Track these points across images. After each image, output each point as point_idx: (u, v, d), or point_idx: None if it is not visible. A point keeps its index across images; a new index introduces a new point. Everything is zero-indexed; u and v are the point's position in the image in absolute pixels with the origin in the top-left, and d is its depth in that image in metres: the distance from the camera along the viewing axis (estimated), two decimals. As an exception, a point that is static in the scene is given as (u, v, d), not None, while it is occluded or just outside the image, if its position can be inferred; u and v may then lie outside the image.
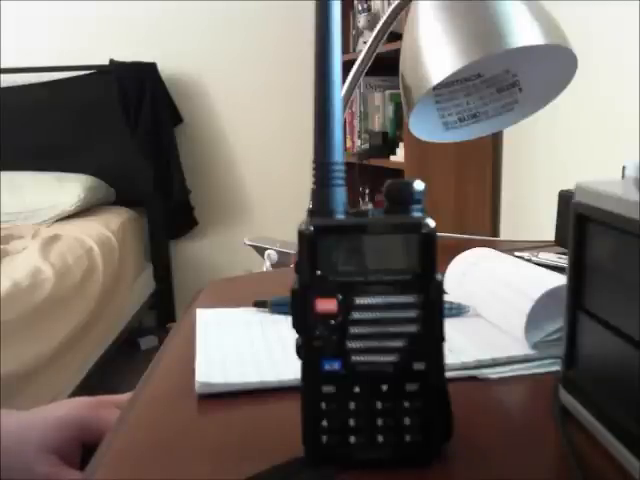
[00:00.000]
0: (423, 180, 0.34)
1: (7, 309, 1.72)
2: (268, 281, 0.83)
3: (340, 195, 0.35)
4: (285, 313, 0.60)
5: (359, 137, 2.77)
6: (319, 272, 0.34)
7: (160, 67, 2.94)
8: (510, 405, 0.46)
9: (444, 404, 0.36)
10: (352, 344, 0.35)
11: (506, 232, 2.27)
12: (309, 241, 0.34)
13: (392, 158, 2.43)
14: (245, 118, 3.11)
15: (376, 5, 2.58)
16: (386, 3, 2.49)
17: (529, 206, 2.09)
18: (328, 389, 0.35)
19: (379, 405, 0.35)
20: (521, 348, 0.50)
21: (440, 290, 0.35)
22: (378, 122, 2.68)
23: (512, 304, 0.52)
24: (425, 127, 0.74)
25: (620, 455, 0.35)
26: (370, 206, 2.76)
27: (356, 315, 0.35)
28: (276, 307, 0.61)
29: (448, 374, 0.36)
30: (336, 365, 0.35)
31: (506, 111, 0.75)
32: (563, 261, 0.74)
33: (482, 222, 2.29)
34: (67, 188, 2.69)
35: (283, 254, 1.13)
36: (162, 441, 0.41)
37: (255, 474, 0.35)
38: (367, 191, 2.80)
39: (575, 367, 0.40)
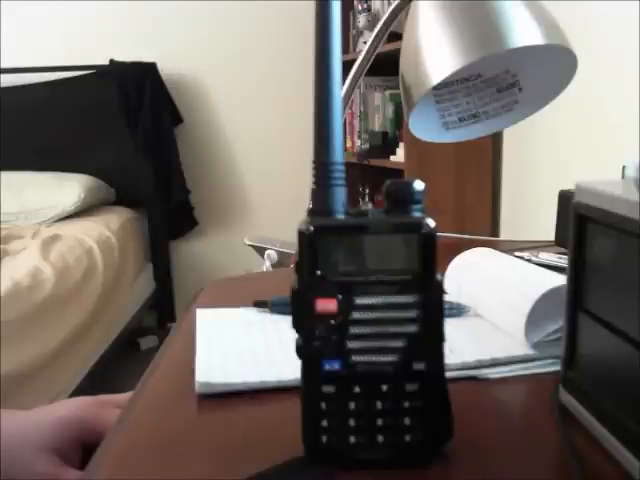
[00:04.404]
0: (423, 180, 0.34)
1: (7, 309, 1.72)
2: (268, 281, 0.83)
3: (340, 195, 0.35)
4: (285, 313, 0.60)
5: (359, 137, 2.77)
6: (319, 272, 0.34)
7: (160, 67, 2.94)
8: (510, 405, 0.46)
9: (444, 404, 0.36)
10: (352, 344, 0.35)
11: (506, 232, 2.27)
12: (309, 241, 0.34)
13: (392, 158, 2.43)
14: (245, 118, 3.11)
15: (376, 5, 2.58)
16: (386, 3, 2.49)
17: (529, 206, 2.09)
18: (328, 389, 0.35)
19: (379, 405, 0.35)
20: (521, 348, 0.50)
21: (440, 290, 0.35)
22: (378, 122, 2.68)
23: (512, 304, 0.52)
24: (425, 127, 0.74)
25: (620, 455, 0.35)
26: (370, 206, 2.76)
27: (356, 315, 0.35)
28: (276, 307, 0.61)
29: (448, 374, 0.36)
30: (336, 365, 0.35)
31: (506, 111, 0.75)
32: (563, 261, 0.74)
33: (482, 222, 2.29)
34: (67, 188, 2.69)
35: (283, 254, 1.13)
36: (162, 441, 0.41)
37: (255, 474, 0.35)
38: (367, 191, 2.80)
39: (575, 367, 0.40)
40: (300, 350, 0.35)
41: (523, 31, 0.63)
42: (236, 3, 2.98)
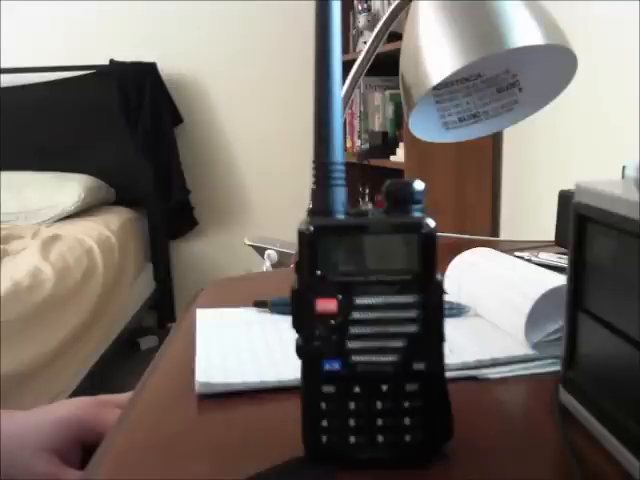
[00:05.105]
0: (423, 180, 0.34)
1: (7, 309, 1.72)
2: (268, 281, 0.83)
3: (340, 195, 0.35)
4: (285, 313, 0.60)
5: (359, 137, 2.77)
6: (319, 272, 0.34)
7: (160, 67, 2.94)
8: (510, 405, 0.46)
9: (444, 404, 0.36)
10: (352, 344, 0.35)
11: (506, 232, 2.27)
12: (309, 241, 0.34)
13: (392, 158, 2.43)
14: (245, 118, 3.11)
15: (376, 5, 2.58)
16: (386, 3, 2.49)
17: (529, 206, 2.09)
18: (328, 389, 0.35)
19: (379, 405, 0.35)
20: (521, 348, 0.50)
21: (440, 290, 0.35)
22: (378, 122, 2.68)
23: (512, 304, 0.52)
24: (425, 127, 0.74)
25: (620, 455, 0.35)
26: (370, 206, 2.76)
27: (356, 315, 0.35)
28: (276, 307, 0.61)
29: (448, 374, 0.36)
30: (336, 365, 0.35)
31: (506, 111, 0.75)
32: (563, 261, 0.74)
33: (482, 222, 2.29)
34: (67, 188, 2.69)
35: (283, 254, 1.13)
36: (162, 441, 0.41)
37: (255, 474, 0.35)
38: (367, 191, 2.80)
39: (575, 367, 0.40)
40: (300, 350, 0.35)
41: (523, 31, 0.63)
42: (236, 3, 2.98)
